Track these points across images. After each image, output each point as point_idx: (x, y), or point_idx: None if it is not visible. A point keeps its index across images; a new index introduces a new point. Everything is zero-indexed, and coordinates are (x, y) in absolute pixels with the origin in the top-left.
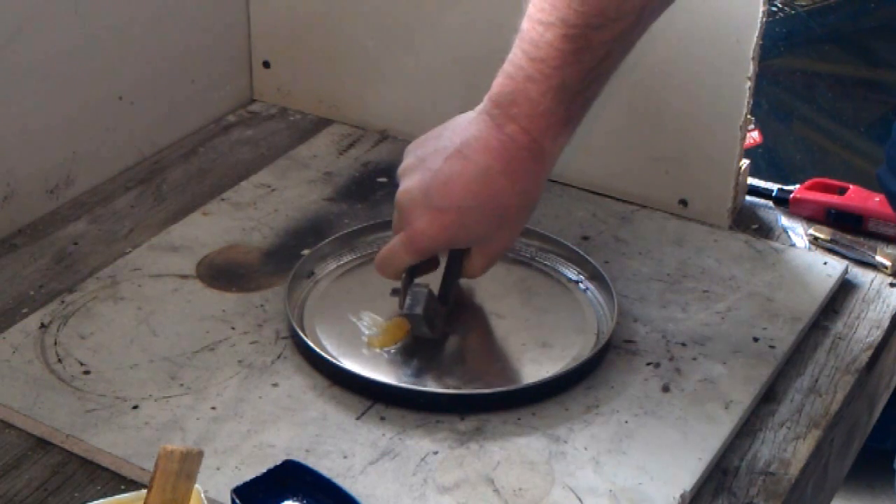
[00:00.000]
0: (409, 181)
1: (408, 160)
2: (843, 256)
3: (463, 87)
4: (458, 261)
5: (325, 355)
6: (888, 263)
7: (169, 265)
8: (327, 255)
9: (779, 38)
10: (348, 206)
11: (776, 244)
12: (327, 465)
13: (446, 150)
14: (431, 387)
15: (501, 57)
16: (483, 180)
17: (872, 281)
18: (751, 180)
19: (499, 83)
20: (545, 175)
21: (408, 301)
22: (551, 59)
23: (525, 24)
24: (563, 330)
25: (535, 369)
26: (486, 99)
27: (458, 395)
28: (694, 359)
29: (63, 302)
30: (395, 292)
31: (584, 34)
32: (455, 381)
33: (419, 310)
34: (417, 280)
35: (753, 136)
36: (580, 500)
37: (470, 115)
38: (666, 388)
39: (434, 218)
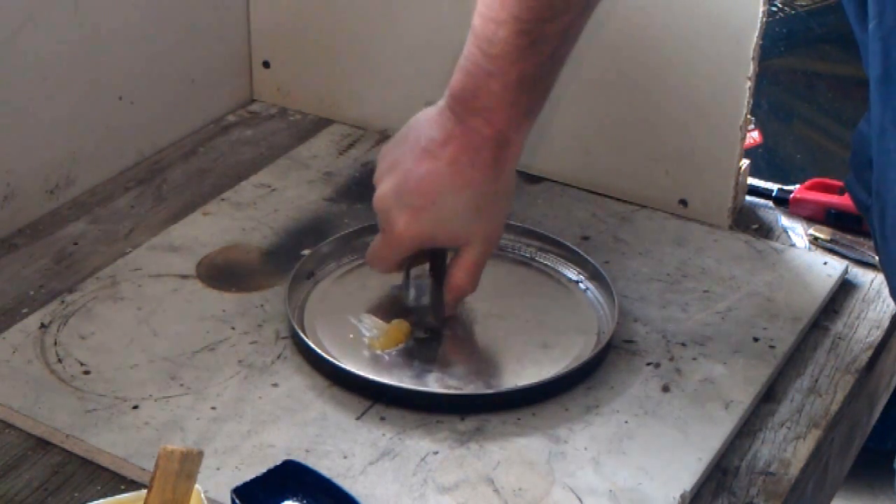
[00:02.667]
0: (384, 186)
1: (381, 166)
2: (843, 256)
3: None
4: (441, 263)
5: (326, 355)
6: None
7: (169, 265)
8: (327, 255)
9: (779, 38)
10: (348, 206)
11: (776, 244)
12: (327, 465)
13: (414, 151)
14: (432, 387)
15: None
16: (453, 174)
17: (872, 281)
18: (751, 180)
19: (459, 80)
20: (513, 165)
21: (412, 293)
22: (508, 55)
23: (477, 21)
24: (563, 330)
25: (535, 370)
26: (446, 96)
27: (458, 396)
28: (694, 359)
29: (63, 302)
30: (396, 288)
31: (537, 28)
32: (455, 381)
33: (425, 300)
34: (414, 271)
35: (753, 136)
36: (580, 500)
37: (431, 113)
38: (666, 388)
39: (411, 217)
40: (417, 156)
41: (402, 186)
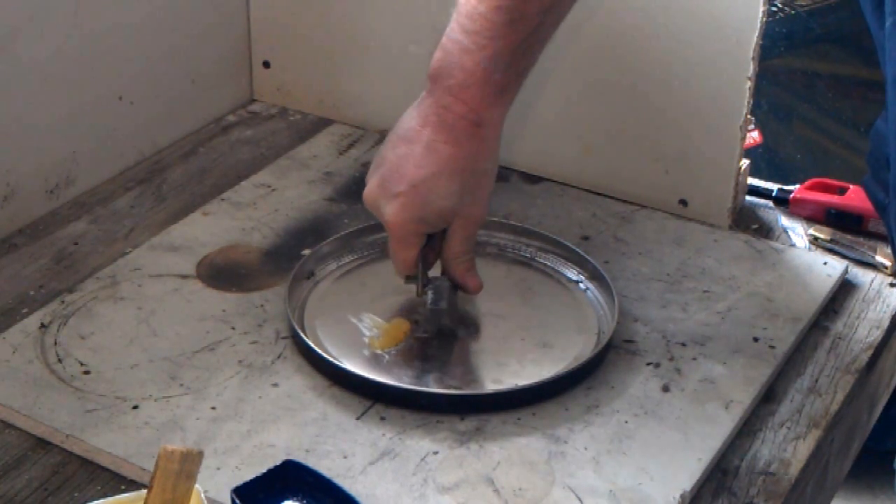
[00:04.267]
0: (370, 182)
1: (371, 166)
2: (843, 256)
3: None
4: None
5: (326, 355)
6: (888, 263)
7: (169, 265)
8: (327, 255)
9: (779, 38)
10: (348, 206)
11: (776, 244)
12: (327, 465)
13: (391, 141)
14: (432, 387)
15: None
16: (429, 153)
17: (872, 281)
18: (751, 180)
19: (436, 58)
20: (492, 144)
21: (431, 296)
22: (485, 31)
23: None
24: (563, 330)
25: (535, 369)
26: (427, 79)
27: (458, 396)
28: (694, 359)
29: (63, 302)
30: (409, 280)
31: (517, 6)
32: (455, 381)
33: (444, 304)
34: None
35: (753, 136)
36: (580, 500)
37: (413, 106)
38: (666, 388)
39: (397, 203)
40: (394, 145)
41: (383, 177)
